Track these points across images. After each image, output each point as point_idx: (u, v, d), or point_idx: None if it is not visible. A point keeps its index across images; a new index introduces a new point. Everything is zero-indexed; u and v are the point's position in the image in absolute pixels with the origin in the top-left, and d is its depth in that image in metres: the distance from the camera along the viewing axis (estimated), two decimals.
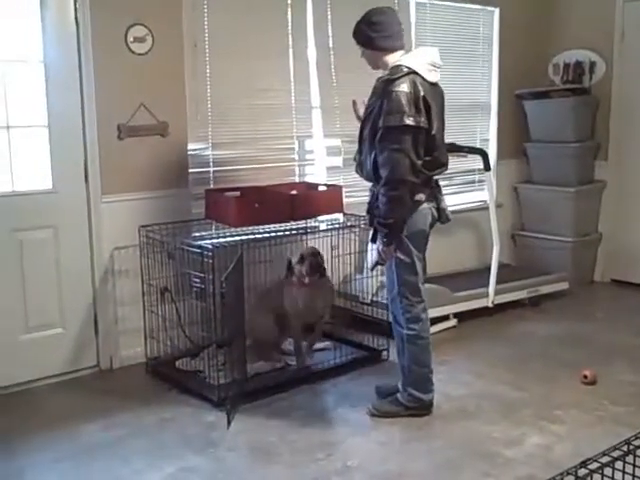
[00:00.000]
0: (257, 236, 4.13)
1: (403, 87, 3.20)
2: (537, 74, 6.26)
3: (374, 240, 3.45)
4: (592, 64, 6.02)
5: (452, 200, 5.46)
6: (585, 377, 3.93)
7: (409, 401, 3.56)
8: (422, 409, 3.57)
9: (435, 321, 4.53)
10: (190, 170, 4.43)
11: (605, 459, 1.68)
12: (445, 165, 3.47)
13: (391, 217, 3.25)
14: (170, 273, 4.18)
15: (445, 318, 4.91)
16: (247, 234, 4.11)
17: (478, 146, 5.68)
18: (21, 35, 3.86)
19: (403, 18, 3.66)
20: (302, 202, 4.22)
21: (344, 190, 4.52)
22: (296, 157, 4.95)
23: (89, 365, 4.21)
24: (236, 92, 4.57)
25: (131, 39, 4.11)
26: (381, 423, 3.52)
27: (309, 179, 4.97)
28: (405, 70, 3.24)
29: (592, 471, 1.63)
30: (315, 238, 4.35)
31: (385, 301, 4.15)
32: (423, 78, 3.28)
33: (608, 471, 1.67)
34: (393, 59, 3.35)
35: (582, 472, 1.62)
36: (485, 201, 5.47)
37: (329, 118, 5.03)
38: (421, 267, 3.46)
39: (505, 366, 4.26)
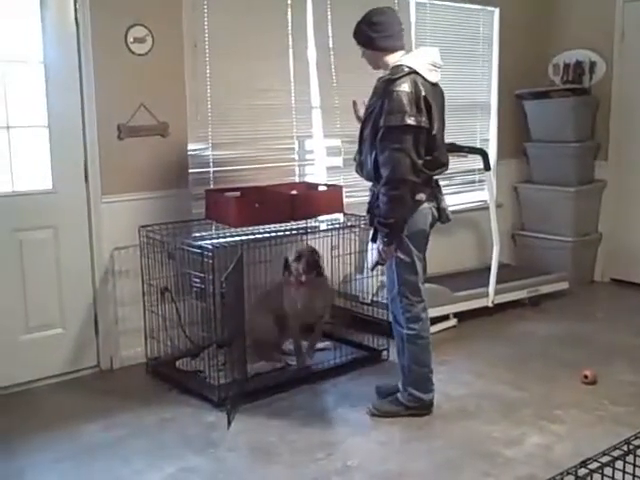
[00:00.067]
0: (257, 236, 4.12)
1: (404, 87, 3.20)
2: (537, 74, 6.26)
3: (374, 240, 3.46)
4: (592, 64, 6.03)
5: (452, 200, 5.47)
6: (585, 377, 3.93)
7: (409, 401, 3.56)
8: (422, 409, 3.57)
9: (435, 321, 4.53)
10: (190, 170, 4.43)
11: (605, 459, 1.68)
12: (446, 165, 3.47)
13: (392, 217, 3.26)
14: (170, 273, 4.18)
15: (445, 318, 4.91)
16: (247, 234, 4.12)
17: (478, 146, 5.69)
18: (21, 35, 3.86)
19: (403, 18, 3.66)
20: (302, 202, 4.22)
21: (344, 190, 4.53)
22: (296, 157, 4.95)
23: (89, 365, 4.21)
24: (236, 92, 4.57)
25: (131, 39, 4.11)
26: (381, 423, 3.52)
27: (309, 179, 4.97)
28: (406, 70, 3.24)
29: (592, 471, 1.64)
30: (315, 238, 4.35)
31: (385, 301, 4.15)
32: (424, 78, 3.28)
33: (608, 471, 1.68)
34: (394, 59, 3.35)
35: (582, 472, 1.62)
36: (485, 201, 5.47)
37: (329, 118, 5.04)
38: (421, 267, 3.46)
39: (505, 366, 4.26)
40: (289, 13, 4.76)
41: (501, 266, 5.27)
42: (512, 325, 5.05)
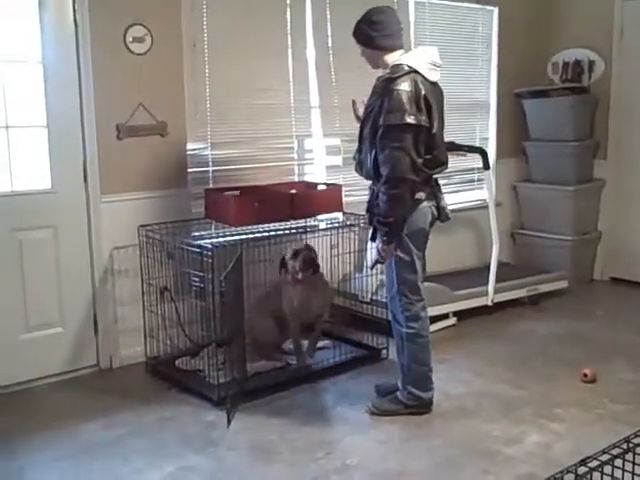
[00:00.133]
0: (256, 235, 4.13)
1: (404, 86, 3.20)
2: (536, 73, 6.26)
3: (374, 239, 3.46)
4: (591, 63, 6.03)
5: (451, 199, 5.46)
6: (585, 375, 3.93)
7: (409, 399, 3.56)
8: (422, 407, 3.57)
9: (434, 320, 4.54)
10: (189, 170, 4.43)
11: (605, 457, 1.69)
12: (445, 164, 3.47)
13: (391, 215, 3.26)
14: (170, 272, 4.18)
15: (444, 317, 4.91)
16: (246, 233, 4.12)
17: (477, 145, 5.69)
18: (20, 36, 3.86)
19: (402, 17, 3.66)
20: (302, 201, 4.22)
21: (343, 189, 4.53)
22: (295, 156, 4.95)
23: (89, 364, 4.22)
24: (235, 92, 4.57)
25: (130, 39, 4.11)
26: (381, 421, 3.53)
27: (308, 178, 4.97)
28: (406, 69, 3.25)
29: (592, 469, 1.64)
30: (315, 237, 4.35)
31: (384, 300, 4.15)
32: (424, 77, 3.28)
33: (608, 469, 1.68)
34: (393, 58, 3.35)
35: (582, 470, 1.63)
36: (484, 200, 5.46)
37: (328, 117, 5.04)
38: (420, 266, 3.46)
39: (505, 364, 4.26)
40: (288, 12, 4.76)
41: (500, 265, 5.28)
42: (511, 324, 5.06)
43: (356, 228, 4.40)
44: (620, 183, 6.03)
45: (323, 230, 4.36)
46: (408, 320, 3.50)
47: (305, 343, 4.18)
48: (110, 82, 4.07)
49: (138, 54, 4.15)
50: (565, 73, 6.18)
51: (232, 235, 4.09)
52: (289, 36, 4.78)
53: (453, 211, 3.67)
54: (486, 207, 5.24)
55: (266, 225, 4.21)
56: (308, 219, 4.34)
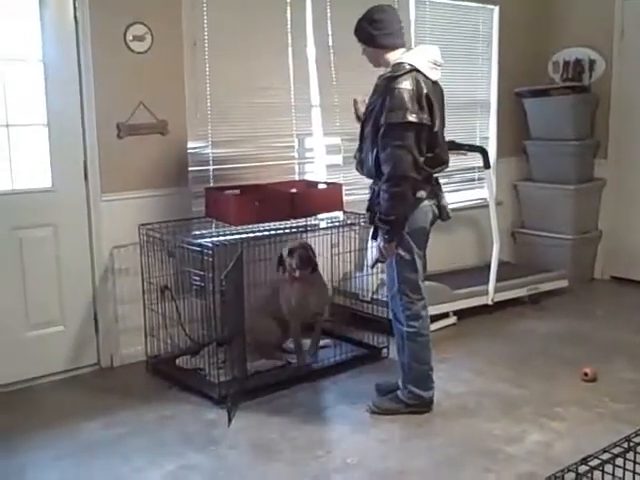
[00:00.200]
0: (257, 234, 4.13)
1: (406, 84, 3.20)
2: (537, 72, 6.26)
3: (375, 237, 3.46)
4: (592, 62, 6.03)
5: (452, 198, 5.47)
6: (585, 374, 3.93)
7: (409, 398, 3.56)
8: (422, 406, 3.57)
9: (435, 319, 4.54)
10: (190, 168, 4.43)
11: (605, 456, 1.69)
12: (446, 162, 3.48)
13: (393, 213, 3.26)
14: (170, 271, 4.19)
15: (445, 316, 4.91)
16: (247, 232, 4.12)
17: (478, 144, 5.68)
18: (20, 34, 3.85)
19: (402, 16, 3.65)
20: (302, 200, 4.22)
21: (344, 188, 4.53)
22: (296, 155, 4.95)
23: (90, 363, 4.22)
24: (236, 90, 4.57)
25: (130, 38, 4.11)
26: (381, 420, 3.52)
27: (309, 177, 4.97)
28: (407, 67, 3.24)
29: (592, 468, 1.64)
30: (315, 236, 4.35)
31: (385, 299, 4.15)
32: (425, 76, 3.28)
33: (608, 468, 1.68)
34: (394, 57, 3.35)
35: (582, 469, 1.63)
36: (485, 199, 5.47)
37: (329, 116, 5.03)
38: (421, 264, 3.46)
39: (505, 364, 4.26)
40: (288, 11, 4.75)
41: (501, 264, 5.28)
42: (512, 323, 5.06)
43: (356, 227, 4.40)
44: (621, 182, 6.03)
45: (323, 229, 4.36)
46: (409, 319, 3.50)
47: (307, 342, 4.18)
48: (110, 81, 4.07)
49: (138, 53, 4.15)
50: (566, 72, 6.18)
51: (232, 234, 4.09)
52: (289, 35, 4.77)
53: (454, 210, 3.67)
54: (487, 206, 5.24)
55: (266, 224, 4.21)
56: (308, 218, 4.34)
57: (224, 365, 3.82)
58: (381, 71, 3.42)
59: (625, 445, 1.73)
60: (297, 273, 4.00)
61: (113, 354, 4.26)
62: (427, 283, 3.62)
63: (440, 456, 3.17)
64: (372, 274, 4.52)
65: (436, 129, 3.30)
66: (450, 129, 3.90)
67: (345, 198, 4.50)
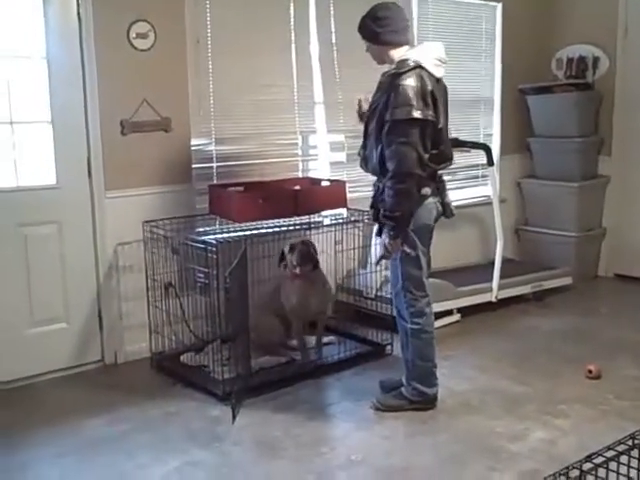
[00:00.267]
0: (261, 231, 4.13)
1: (410, 81, 3.20)
2: (540, 69, 6.24)
3: (379, 234, 3.46)
4: (595, 59, 6.01)
5: (456, 195, 5.42)
6: (589, 372, 3.93)
7: (413, 395, 3.56)
8: (426, 403, 3.58)
9: (439, 316, 4.52)
10: (193, 165, 4.43)
11: (610, 453, 1.69)
12: (451, 159, 3.47)
13: (398, 210, 3.25)
14: (174, 268, 4.19)
15: (449, 313, 4.91)
16: (251, 229, 4.12)
17: (481, 141, 5.68)
18: (24, 31, 3.86)
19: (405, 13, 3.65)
20: (306, 197, 4.23)
21: (348, 185, 4.53)
22: (299, 152, 4.95)
23: (93, 360, 4.22)
24: (239, 88, 4.56)
25: (133, 35, 4.11)
26: (385, 417, 3.53)
27: (313, 174, 4.97)
28: (412, 64, 3.24)
29: (597, 465, 1.64)
30: (319, 233, 4.35)
31: (389, 296, 4.14)
32: (429, 73, 3.27)
33: (613, 465, 1.68)
34: (399, 54, 3.35)
35: (587, 466, 1.63)
36: (489, 196, 5.46)
37: (332, 113, 5.03)
38: (425, 261, 3.46)
39: (509, 361, 4.26)
40: (292, 8, 4.75)
41: (505, 261, 5.27)
42: (516, 320, 5.05)
43: (360, 224, 4.39)
44: (625, 179, 6.02)
45: (327, 226, 4.36)
46: (413, 316, 3.50)
47: (312, 340, 4.18)
48: (114, 78, 4.07)
49: (142, 50, 4.15)
50: (569, 69, 6.17)
51: (236, 231, 4.09)
52: (293, 32, 4.77)
53: (457, 207, 3.67)
54: (490, 203, 5.24)
55: (270, 221, 4.21)
56: (312, 215, 4.34)
57: (228, 362, 3.83)
58: (385, 68, 3.42)
59: (629, 442, 1.73)
60: (297, 270, 4.00)
61: (117, 351, 4.27)
62: (431, 280, 3.62)
63: (444, 453, 3.17)
64: (376, 271, 4.52)
65: (440, 126, 3.30)
66: (453, 126, 3.90)
67: (349, 195, 4.50)
